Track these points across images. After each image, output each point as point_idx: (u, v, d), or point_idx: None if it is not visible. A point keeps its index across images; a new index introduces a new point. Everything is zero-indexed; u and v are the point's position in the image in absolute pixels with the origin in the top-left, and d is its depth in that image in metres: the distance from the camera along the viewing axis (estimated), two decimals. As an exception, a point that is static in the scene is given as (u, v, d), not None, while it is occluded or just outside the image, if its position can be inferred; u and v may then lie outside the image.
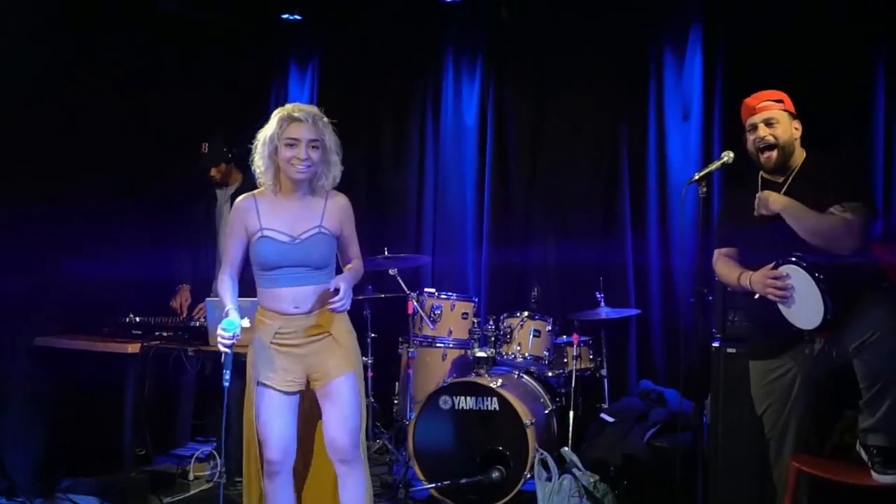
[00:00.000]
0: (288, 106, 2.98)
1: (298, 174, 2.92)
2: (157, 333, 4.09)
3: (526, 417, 4.07)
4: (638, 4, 4.91)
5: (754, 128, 3.18)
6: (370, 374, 4.93)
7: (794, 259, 2.94)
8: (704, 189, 3.24)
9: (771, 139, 3.13)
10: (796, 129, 3.17)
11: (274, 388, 2.97)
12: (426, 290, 4.82)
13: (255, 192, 3.04)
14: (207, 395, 4.81)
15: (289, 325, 2.97)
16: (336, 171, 3.03)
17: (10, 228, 4.02)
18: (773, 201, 3.08)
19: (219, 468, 4.21)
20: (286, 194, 3.01)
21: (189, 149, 4.77)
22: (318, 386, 3.02)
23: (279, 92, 5.94)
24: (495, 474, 4.03)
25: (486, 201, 5.34)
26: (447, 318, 4.70)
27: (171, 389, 4.94)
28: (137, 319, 4.21)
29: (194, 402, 5.09)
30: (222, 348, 2.86)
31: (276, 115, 2.95)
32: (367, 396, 4.90)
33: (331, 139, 2.99)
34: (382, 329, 5.03)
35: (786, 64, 4.31)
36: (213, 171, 4.66)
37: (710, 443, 3.77)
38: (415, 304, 4.69)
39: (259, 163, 2.96)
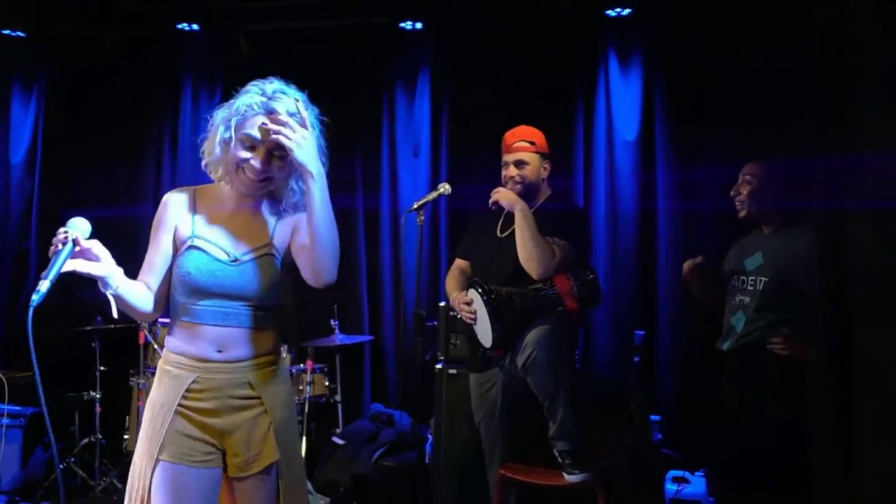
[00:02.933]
0: (269, 84, 2.16)
1: (245, 187, 2.18)
2: None
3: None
4: (373, 46, 5.16)
5: (507, 165, 3.46)
6: (97, 409, 4.73)
7: (475, 283, 3.28)
8: (422, 217, 3.49)
9: (518, 179, 3.42)
10: (545, 168, 3.48)
11: (182, 465, 2.11)
12: (160, 319, 4.69)
13: (199, 186, 2.28)
14: None
15: (208, 378, 2.13)
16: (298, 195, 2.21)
17: None
18: (516, 199, 3.33)
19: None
20: (237, 200, 2.24)
21: None
22: (234, 473, 2.17)
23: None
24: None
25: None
26: (180, 348, 4.59)
27: None
28: None
29: None
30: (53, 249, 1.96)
31: (250, 93, 2.15)
32: (96, 433, 4.71)
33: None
34: (112, 361, 4.83)
35: (501, 105, 4.77)
36: None
37: (434, 459, 4.01)
38: (146, 334, 4.56)
39: (211, 147, 2.18)
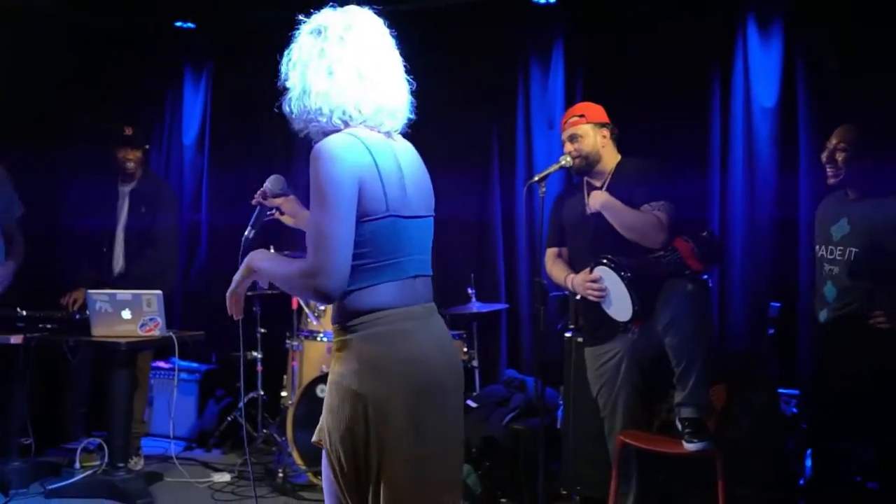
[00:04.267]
0: None
1: None
2: (40, 326, 4.25)
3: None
4: (508, 23, 5.26)
5: (564, 143, 3.60)
6: (259, 367, 5.18)
7: (604, 261, 3.32)
8: (544, 189, 3.58)
9: (574, 153, 3.55)
10: (604, 136, 3.55)
11: None
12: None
13: None
14: (98, 388, 4.95)
15: None
16: (295, 114, 2.01)
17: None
18: (595, 198, 3.44)
19: (105, 458, 4.38)
20: None
21: (92, 145, 4.95)
22: None
23: (175, 96, 6.14)
24: (367, 457, 4.29)
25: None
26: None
27: (61, 383, 5.09)
28: (24, 312, 4.33)
29: (89, 397, 5.24)
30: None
31: None
32: (258, 390, 5.18)
33: (300, 52, 2.03)
34: (271, 324, 5.27)
35: (636, 77, 4.76)
36: (132, 155, 4.75)
37: (564, 424, 4.13)
38: (299, 300, 4.94)
39: None
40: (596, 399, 3.60)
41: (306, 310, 4.90)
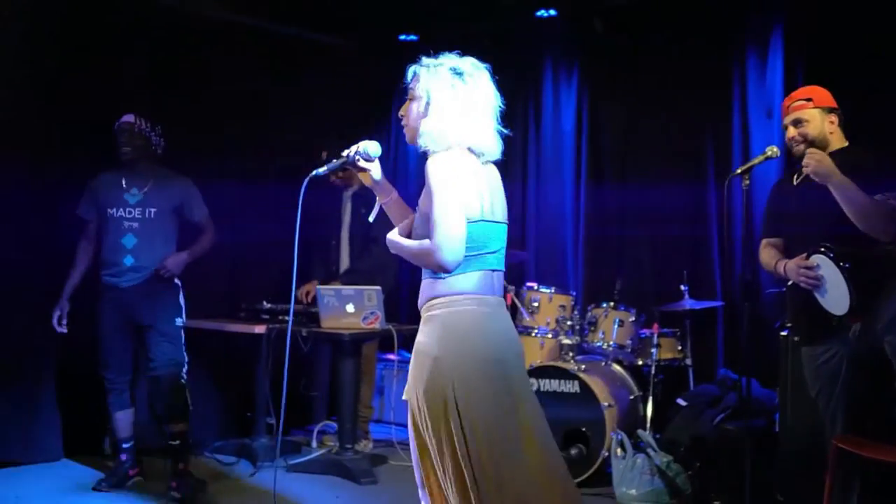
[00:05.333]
0: None
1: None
2: (279, 318, 4.75)
3: (604, 400, 4.37)
4: (721, 10, 5.08)
5: (786, 129, 3.38)
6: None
7: (822, 249, 3.11)
8: (747, 182, 3.45)
9: (799, 138, 3.31)
10: (831, 122, 3.30)
11: None
12: (527, 284, 5.18)
13: None
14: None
15: None
16: (427, 133, 2.39)
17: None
18: (829, 169, 3.10)
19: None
20: None
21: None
22: None
23: (398, 105, 6.52)
24: (574, 451, 4.35)
25: (582, 201, 5.69)
26: (545, 309, 5.03)
27: (304, 370, 5.62)
28: (268, 305, 4.87)
29: (327, 384, 5.75)
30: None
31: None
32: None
33: (428, 88, 2.40)
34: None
35: (864, 62, 4.41)
36: (332, 177, 5.09)
37: (781, 427, 3.95)
38: (513, 297, 5.09)
39: None
40: (816, 399, 3.40)
41: (520, 307, 5.05)
